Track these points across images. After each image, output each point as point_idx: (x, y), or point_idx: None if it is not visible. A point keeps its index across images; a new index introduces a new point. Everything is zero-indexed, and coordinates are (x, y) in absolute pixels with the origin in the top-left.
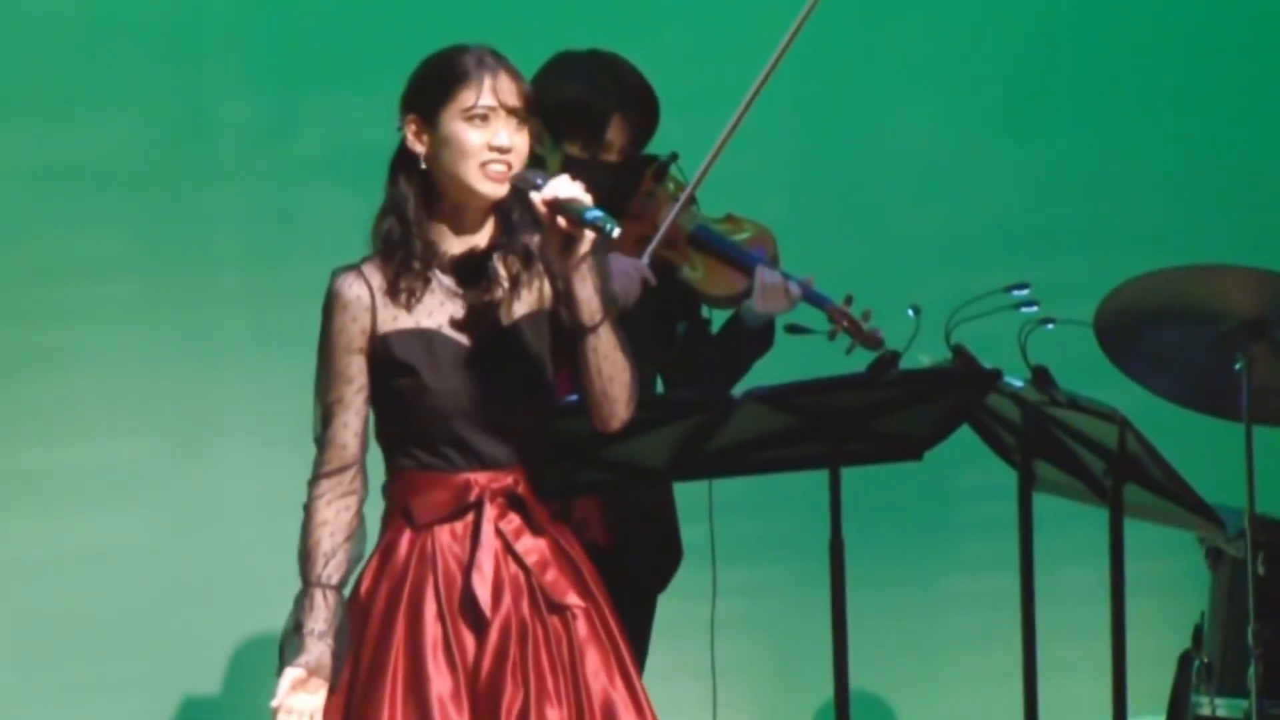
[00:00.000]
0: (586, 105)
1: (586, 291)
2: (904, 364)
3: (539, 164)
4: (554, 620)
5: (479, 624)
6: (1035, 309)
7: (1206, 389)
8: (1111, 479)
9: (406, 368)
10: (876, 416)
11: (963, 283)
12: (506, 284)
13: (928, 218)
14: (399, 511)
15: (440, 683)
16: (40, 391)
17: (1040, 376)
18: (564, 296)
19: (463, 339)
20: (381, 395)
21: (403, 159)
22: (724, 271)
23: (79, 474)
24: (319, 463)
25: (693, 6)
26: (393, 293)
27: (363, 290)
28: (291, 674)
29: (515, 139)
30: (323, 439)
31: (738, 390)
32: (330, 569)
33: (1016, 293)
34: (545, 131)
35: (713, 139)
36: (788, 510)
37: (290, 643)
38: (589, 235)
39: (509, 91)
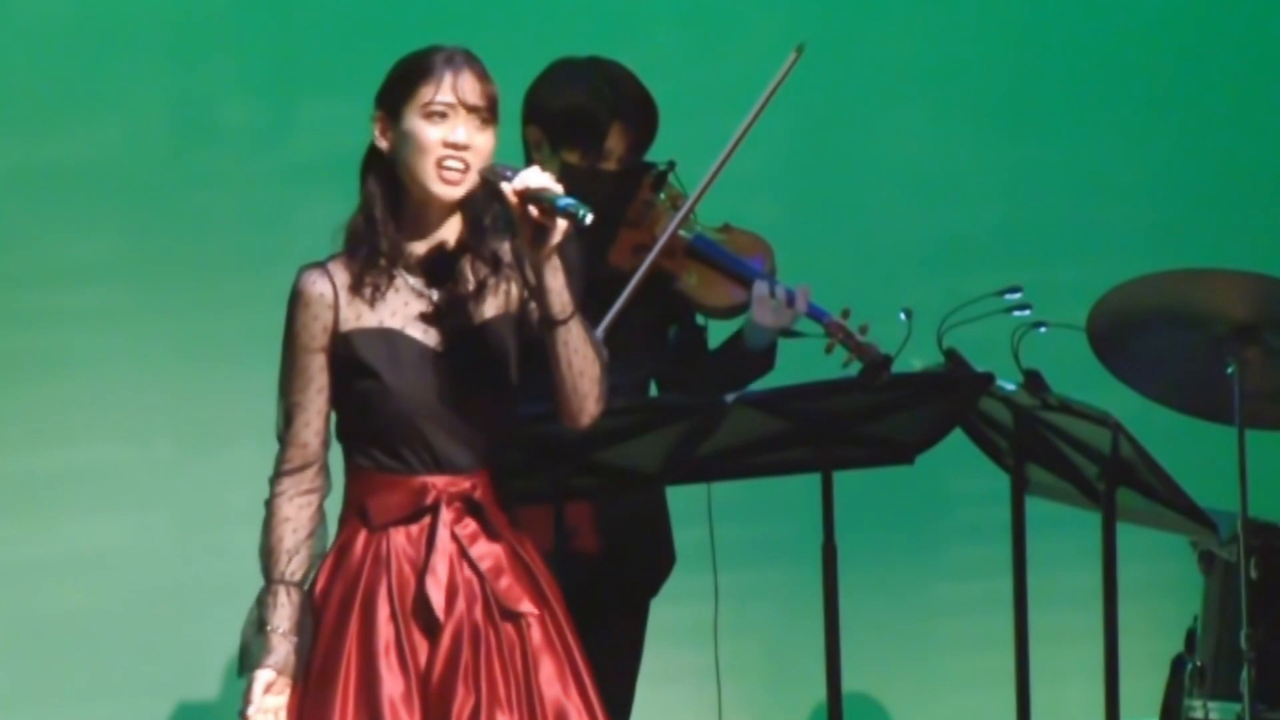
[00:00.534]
0: (586, 113)
1: (558, 283)
2: (896, 368)
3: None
4: (507, 627)
5: (432, 628)
6: (1028, 313)
7: (1199, 393)
8: (1104, 483)
9: (368, 367)
10: (869, 420)
11: (955, 287)
12: (472, 286)
13: (920, 222)
14: (355, 512)
15: (392, 684)
16: (36, 395)
17: (1033, 380)
18: (535, 289)
19: (426, 340)
20: (342, 394)
21: (372, 157)
22: (721, 283)
23: (75, 477)
24: (281, 460)
25: (692, 10)
26: (357, 289)
27: (326, 288)
28: (264, 677)
29: (475, 138)
30: (285, 436)
31: (730, 395)
32: (294, 566)
33: (1009, 296)
34: (544, 139)
35: (712, 143)
36: (781, 514)
37: (255, 642)
38: (561, 224)
39: (471, 90)
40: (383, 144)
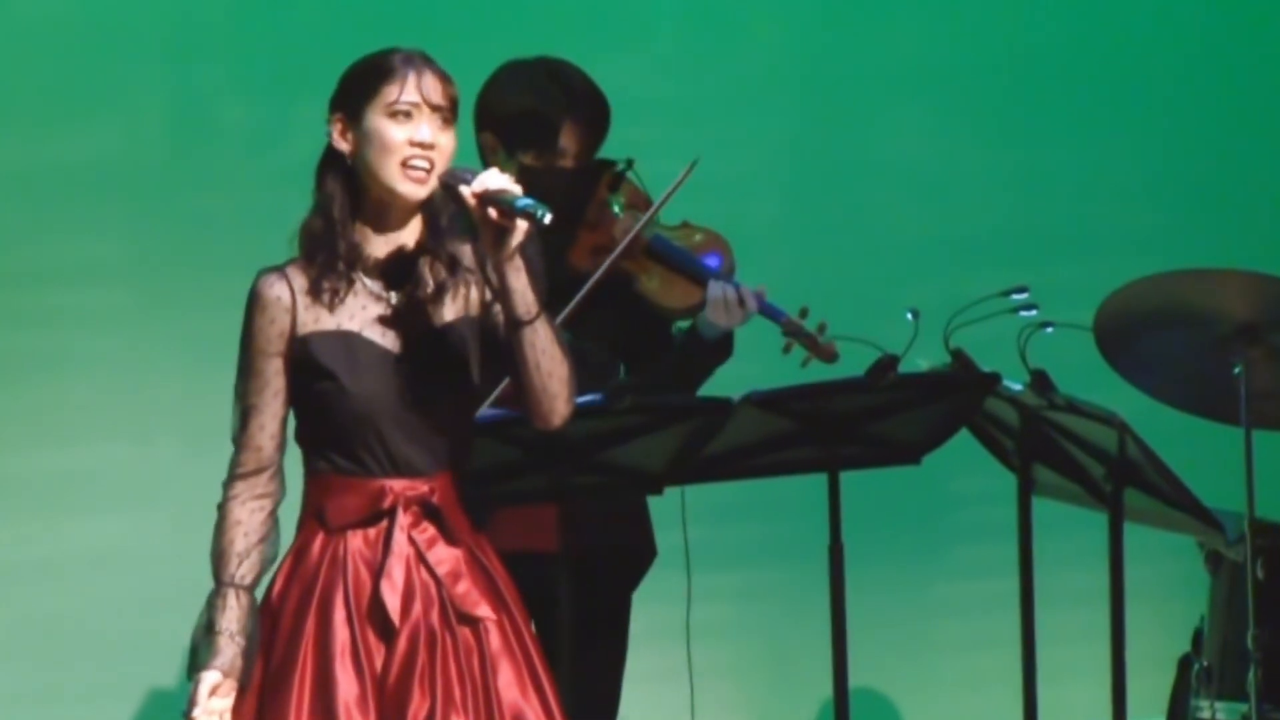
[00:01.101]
0: (537, 114)
1: (521, 284)
2: (902, 368)
3: None
4: (465, 631)
5: (387, 631)
6: (1034, 313)
7: (1205, 393)
8: (1111, 483)
9: (325, 370)
10: (874, 420)
11: (961, 287)
12: (431, 289)
13: (926, 222)
14: (313, 514)
15: (347, 687)
16: (37, 395)
17: (1039, 380)
18: (499, 291)
19: (384, 342)
20: (300, 397)
21: (329, 159)
22: (680, 283)
23: (76, 478)
24: (235, 464)
25: (695, 10)
26: (315, 293)
27: (284, 291)
28: (209, 679)
29: (439, 137)
30: (239, 440)
31: (736, 394)
32: (244, 569)
33: (1015, 296)
34: (499, 143)
35: (714, 143)
36: (784, 514)
37: (203, 643)
38: (521, 225)
39: (434, 89)
40: (343, 146)
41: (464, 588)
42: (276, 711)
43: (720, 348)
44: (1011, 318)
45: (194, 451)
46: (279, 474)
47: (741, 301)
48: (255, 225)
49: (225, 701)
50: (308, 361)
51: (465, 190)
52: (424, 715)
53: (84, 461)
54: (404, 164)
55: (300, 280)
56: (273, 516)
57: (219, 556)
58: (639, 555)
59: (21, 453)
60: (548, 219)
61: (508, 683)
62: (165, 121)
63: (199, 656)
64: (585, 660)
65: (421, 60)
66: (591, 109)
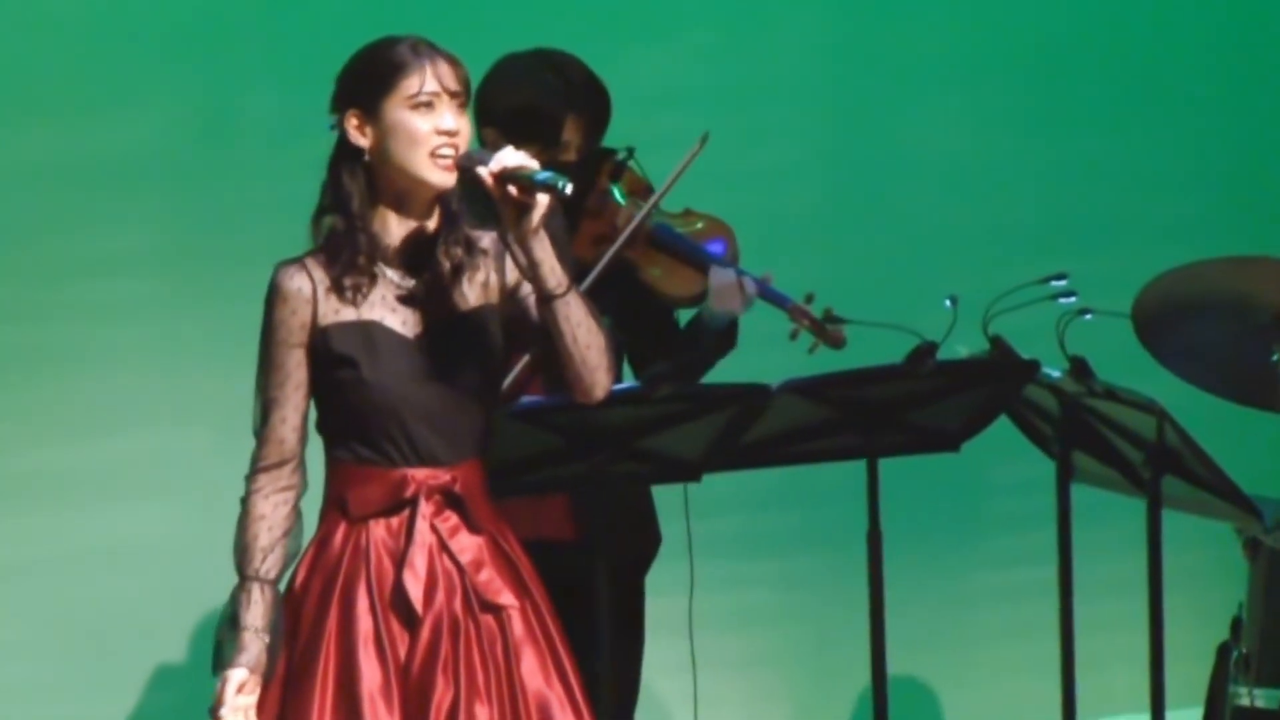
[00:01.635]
0: (539, 109)
1: (548, 258)
2: (941, 355)
3: None
4: (488, 619)
5: (411, 620)
6: (1073, 300)
7: (1244, 380)
8: (1149, 470)
9: (346, 360)
10: (913, 408)
11: (1000, 274)
12: (449, 274)
13: (965, 210)
14: (335, 504)
15: (371, 676)
16: (66, 387)
17: (1078, 368)
18: (527, 268)
19: (405, 331)
20: (321, 388)
21: (344, 155)
22: (683, 271)
23: (110, 468)
24: (257, 457)
25: (729, 3)
26: (337, 288)
27: (304, 282)
28: (237, 676)
29: (459, 122)
30: (261, 433)
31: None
32: (269, 564)
33: (1054, 284)
34: (501, 138)
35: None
36: (823, 502)
37: (229, 640)
38: (542, 200)
39: (449, 76)
40: (361, 141)
41: (487, 576)
42: (301, 701)
43: (725, 338)
44: (1050, 305)
45: (227, 441)
46: (301, 466)
47: (743, 287)
48: (286, 215)
49: (251, 698)
50: (329, 352)
51: (483, 171)
52: (448, 704)
53: (117, 452)
54: (432, 154)
55: (320, 272)
56: (296, 509)
57: (243, 551)
58: (646, 542)
59: (54, 444)
60: (569, 190)
61: (531, 670)
62: (195, 113)
63: (225, 653)
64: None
65: (430, 48)
66: (593, 102)
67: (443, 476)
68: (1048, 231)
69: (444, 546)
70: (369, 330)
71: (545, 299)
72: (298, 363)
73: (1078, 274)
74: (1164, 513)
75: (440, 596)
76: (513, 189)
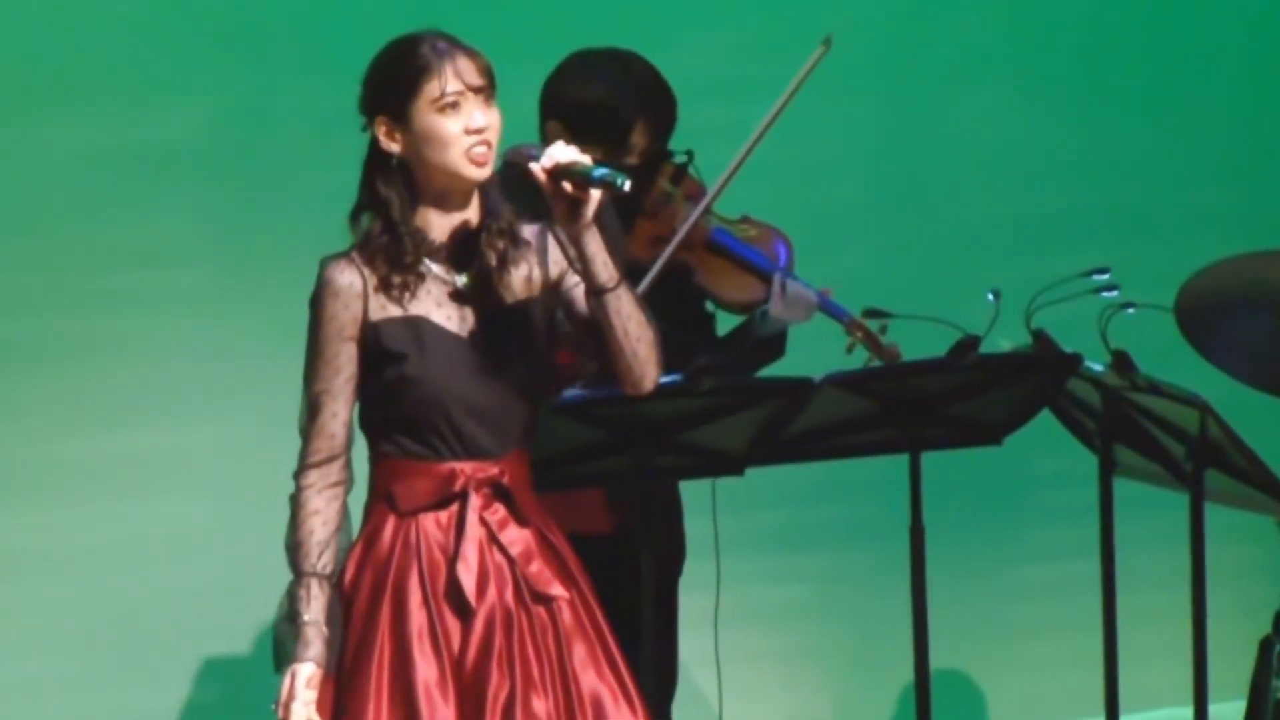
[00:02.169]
0: (611, 110)
1: (600, 252)
2: (984, 349)
3: None
4: (539, 610)
5: (464, 613)
6: (1115, 294)
7: None
8: (1192, 464)
9: (395, 355)
10: (956, 401)
11: (1042, 268)
12: (495, 265)
13: (1007, 203)
14: (383, 499)
15: (426, 670)
16: (113, 377)
17: (1121, 361)
18: (578, 261)
19: (452, 326)
20: (369, 383)
21: (377, 161)
22: (740, 276)
23: (153, 459)
24: (307, 452)
25: None
26: (385, 287)
27: (355, 277)
28: (305, 671)
29: (488, 116)
30: (311, 429)
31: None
32: (325, 559)
33: (1097, 277)
34: (565, 133)
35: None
36: (865, 496)
37: (291, 635)
38: (595, 194)
39: (471, 71)
40: (392, 147)
41: (537, 567)
42: (356, 696)
43: (771, 346)
44: (1093, 299)
45: (273, 432)
46: (349, 462)
47: (806, 299)
48: (328, 207)
49: (314, 693)
50: (379, 347)
51: (534, 167)
52: (504, 696)
53: (162, 443)
54: (466, 152)
55: (368, 268)
56: (345, 504)
57: (297, 547)
58: (675, 546)
59: (99, 435)
60: (627, 186)
61: (582, 661)
62: (238, 105)
63: (288, 649)
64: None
65: (449, 44)
66: (664, 107)
67: (490, 469)
68: (1090, 224)
69: (493, 539)
70: (417, 325)
71: (596, 293)
72: (349, 357)
73: (1120, 267)
74: (1206, 507)
75: (492, 589)
76: (567, 185)
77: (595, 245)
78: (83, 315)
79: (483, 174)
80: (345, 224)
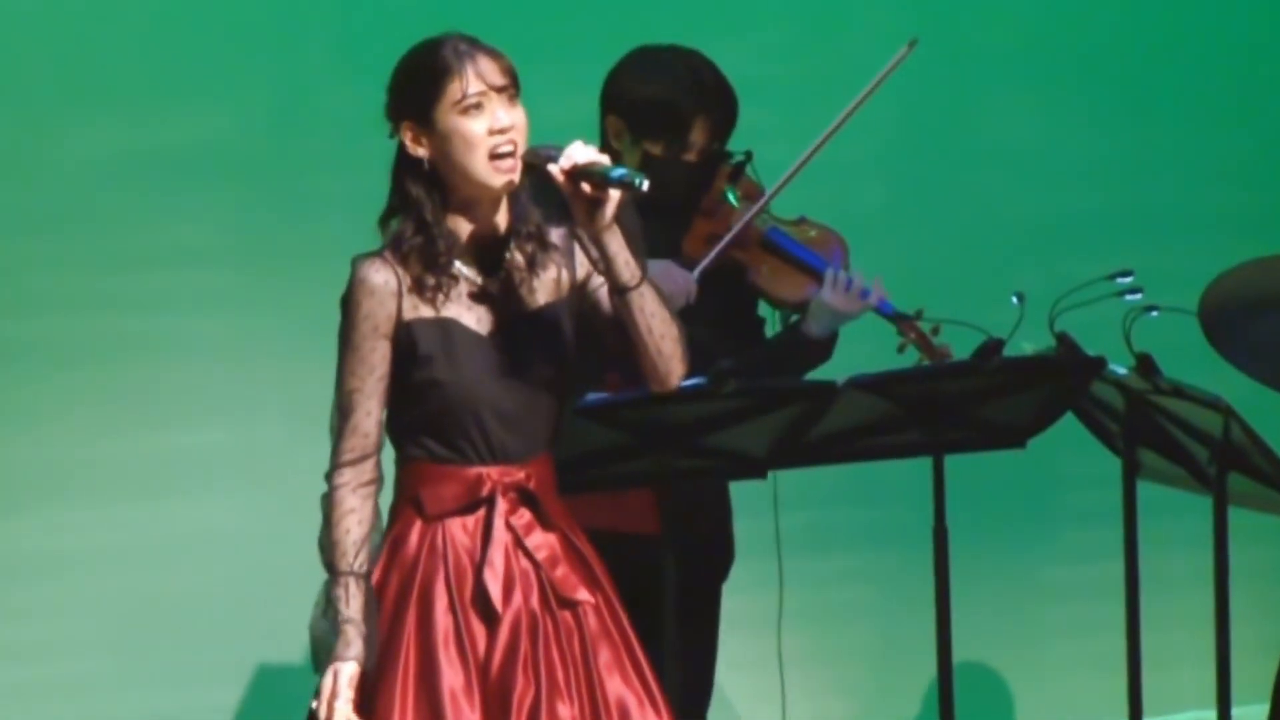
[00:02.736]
0: (671, 106)
1: (622, 250)
2: (1007, 352)
3: (616, 159)
4: (565, 615)
5: (490, 618)
6: (1139, 297)
7: None
8: (1215, 467)
9: (426, 357)
10: (980, 404)
11: (1066, 271)
12: (524, 268)
13: (1031, 206)
14: (409, 502)
15: (452, 676)
16: (140, 378)
17: (1144, 364)
18: (600, 261)
19: (480, 329)
20: (397, 384)
21: (405, 165)
22: (793, 275)
23: (181, 461)
24: (340, 451)
25: None
26: (419, 288)
27: (390, 276)
28: (349, 670)
29: (512, 115)
30: (344, 428)
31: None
32: (361, 558)
33: (1120, 280)
34: (625, 129)
35: (807, 128)
36: (889, 498)
37: (332, 634)
38: (614, 194)
39: (492, 71)
40: (419, 152)
41: (562, 572)
42: (382, 701)
43: (820, 346)
44: (1116, 302)
45: (298, 434)
46: (380, 461)
47: (865, 294)
48: (359, 208)
49: (353, 691)
50: (411, 348)
51: (553, 168)
52: (530, 702)
53: (188, 444)
54: (491, 154)
55: (401, 269)
56: (378, 504)
57: (333, 546)
58: (726, 549)
59: (126, 435)
60: (645, 186)
61: (607, 665)
62: (270, 105)
63: (329, 647)
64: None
65: (469, 46)
66: (724, 106)
67: (517, 474)
68: (1114, 227)
69: (519, 544)
70: (448, 328)
71: (619, 291)
72: (383, 356)
73: (1144, 269)
74: (1230, 510)
75: (518, 594)
76: (586, 186)
77: (617, 245)
78: (108, 316)
79: (507, 180)
80: (370, 227)
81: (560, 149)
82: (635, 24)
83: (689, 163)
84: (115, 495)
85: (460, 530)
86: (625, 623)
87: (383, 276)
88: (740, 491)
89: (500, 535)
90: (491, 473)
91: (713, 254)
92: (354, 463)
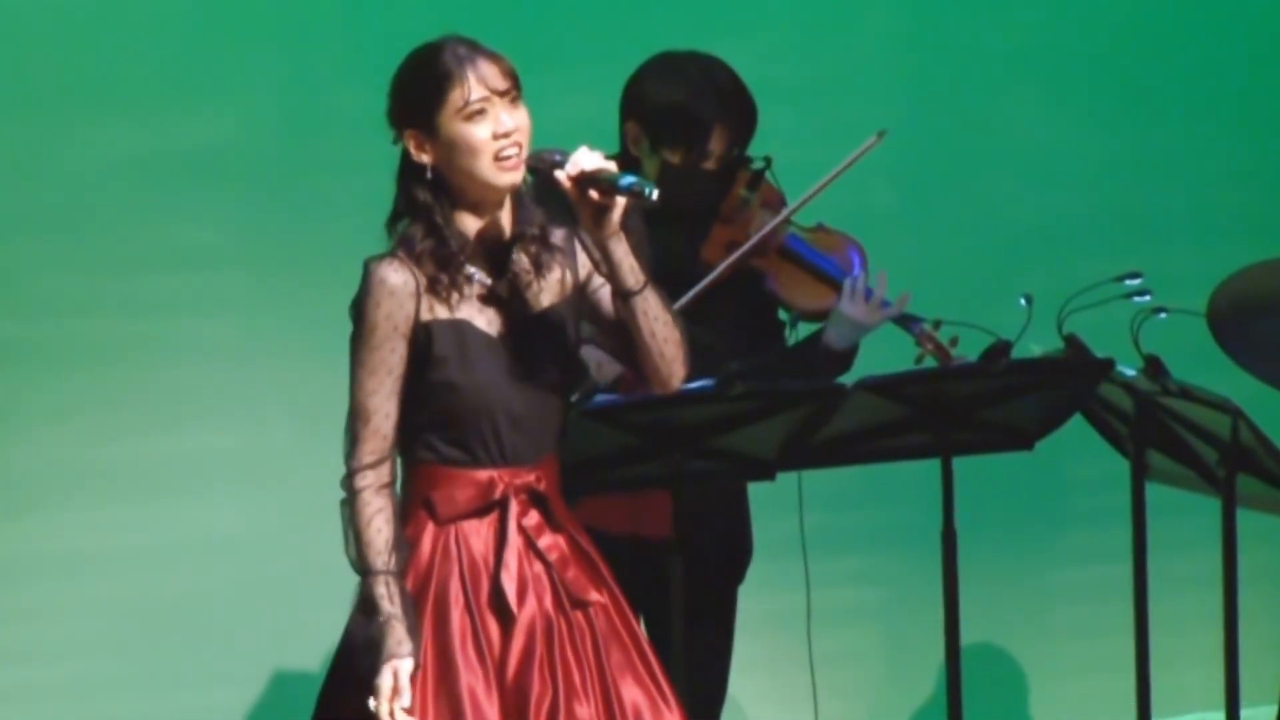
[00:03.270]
0: (690, 114)
1: (626, 255)
2: (1016, 353)
3: (635, 167)
4: (577, 616)
5: (505, 620)
6: (1147, 298)
7: None
8: (1224, 469)
9: (441, 359)
10: (988, 406)
11: (1074, 273)
12: (530, 270)
13: (1039, 207)
14: (420, 505)
15: (470, 677)
16: (148, 381)
17: (1153, 366)
18: (604, 265)
19: (490, 331)
20: (413, 386)
21: (410, 171)
22: (812, 284)
23: (188, 463)
24: (361, 454)
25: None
26: (433, 290)
27: (408, 276)
28: (407, 667)
29: (515, 117)
30: (365, 430)
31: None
32: (395, 558)
33: (1129, 282)
34: (644, 136)
35: (827, 132)
36: (897, 500)
37: (381, 634)
38: (620, 201)
39: (494, 75)
40: (424, 158)
41: (573, 573)
42: None
43: (840, 358)
44: (1125, 303)
45: (304, 437)
46: (395, 461)
47: (884, 305)
48: (369, 211)
49: (412, 688)
50: (428, 349)
51: (560, 174)
52: (548, 704)
53: (193, 447)
54: (495, 157)
55: (416, 269)
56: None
57: (366, 546)
58: (742, 550)
59: (130, 438)
60: (655, 196)
61: (619, 665)
62: (278, 107)
63: (381, 646)
64: (691, 649)
65: (469, 49)
66: (743, 114)
67: (527, 476)
68: (1122, 229)
69: (531, 545)
70: (463, 330)
71: (624, 295)
72: (401, 357)
73: (1153, 271)
74: (1239, 511)
75: (531, 596)
76: (593, 192)
77: (622, 250)
78: (114, 318)
79: (514, 179)
80: (378, 229)
81: (565, 152)
82: (645, 26)
83: (708, 170)
84: (119, 497)
85: (472, 533)
86: (634, 623)
87: (401, 277)
88: (759, 492)
89: (515, 538)
90: (503, 475)
91: (722, 265)
92: (375, 465)
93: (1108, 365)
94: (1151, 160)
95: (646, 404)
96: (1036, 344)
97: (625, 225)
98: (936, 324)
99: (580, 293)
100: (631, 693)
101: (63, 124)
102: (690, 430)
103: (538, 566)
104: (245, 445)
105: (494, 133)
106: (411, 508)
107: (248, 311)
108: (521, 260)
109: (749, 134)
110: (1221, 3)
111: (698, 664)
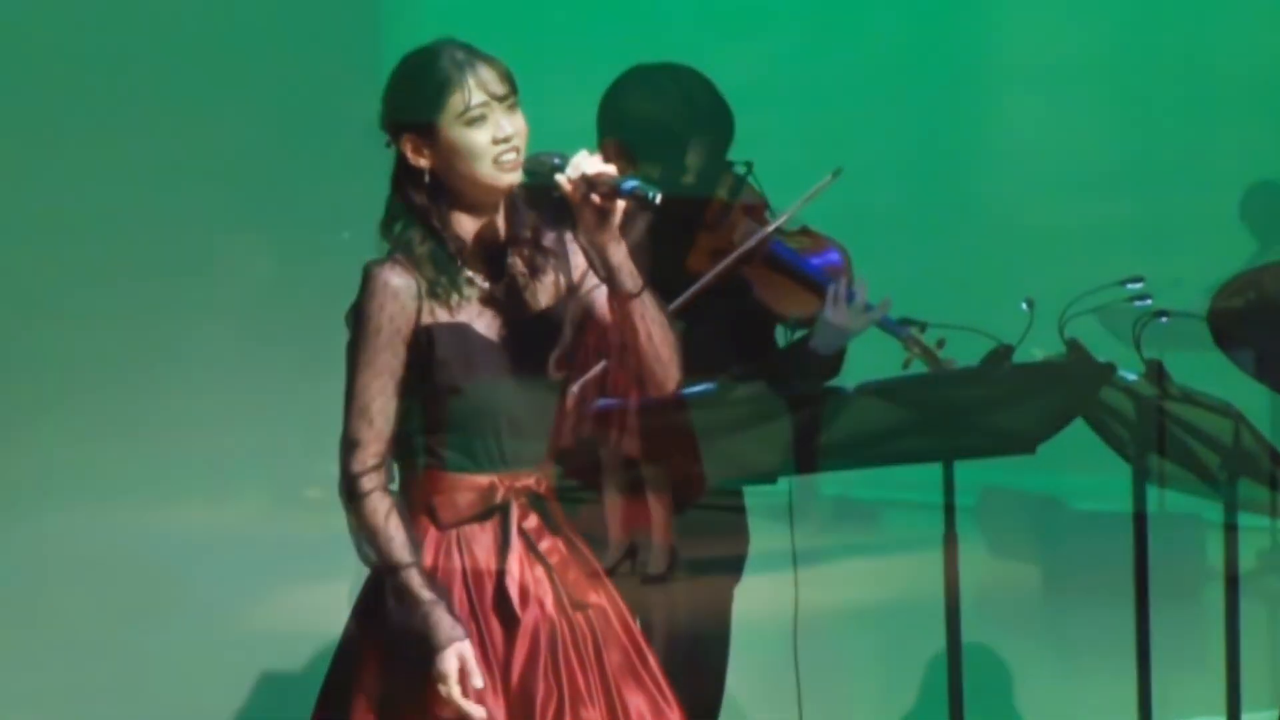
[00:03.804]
0: (666, 131)
1: (625, 260)
2: (1017, 358)
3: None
4: (578, 617)
5: (509, 624)
6: (1149, 303)
7: None
8: (1226, 473)
9: (442, 362)
10: (989, 410)
11: (1076, 277)
12: (525, 272)
13: (1041, 212)
14: (422, 510)
15: (477, 679)
16: (158, 384)
17: (1154, 371)
18: (603, 269)
19: (489, 334)
20: (414, 390)
21: (407, 175)
22: (796, 290)
23: (188, 465)
24: (365, 456)
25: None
26: (433, 293)
27: (410, 279)
28: (467, 648)
29: (514, 123)
30: (369, 433)
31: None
32: (414, 553)
33: (1130, 286)
34: (623, 152)
35: (830, 131)
36: (899, 505)
37: (430, 621)
38: (620, 205)
39: (493, 80)
40: (421, 163)
41: (574, 575)
42: (408, 710)
43: (826, 363)
44: (1127, 307)
45: (306, 439)
46: (392, 464)
47: (866, 308)
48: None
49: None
50: (430, 353)
51: (560, 178)
52: (553, 708)
53: (195, 449)
54: (495, 161)
55: (416, 273)
56: None
57: (389, 542)
58: (738, 551)
59: (133, 440)
60: (658, 199)
61: (619, 667)
62: (288, 114)
63: (429, 634)
64: (688, 657)
65: (468, 55)
66: (719, 127)
67: (527, 479)
68: (1124, 233)
69: (531, 548)
70: (464, 333)
71: (622, 299)
72: (401, 360)
73: (1154, 276)
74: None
75: (534, 600)
76: (595, 197)
77: (621, 254)
78: (118, 321)
79: (515, 179)
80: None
81: (563, 156)
82: (645, 30)
83: (686, 182)
84: (121, 499)
85: (474, 537)
86: (632, 625)
87: (404, 280)
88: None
89: (517, 543)
90: (503, 479)
91: (706, 277)
92: (379, 467)
93: (1110, 369)
94: (1153, 165)
95: (644, 408)
96: (1038, 348)
97: (623, 229)
98: (922, 327)
99: (572, 295)
100: (633, 695)
101: (74, 131)
102: (692, 435)
103: (538, 569)
104: (248, 447)
105: (494, 138)
106: (413, 512)
107: (266, 312)
108: (516, 263)
109: (727, 145)
110: (1223, 10)
111: (691, 671)
